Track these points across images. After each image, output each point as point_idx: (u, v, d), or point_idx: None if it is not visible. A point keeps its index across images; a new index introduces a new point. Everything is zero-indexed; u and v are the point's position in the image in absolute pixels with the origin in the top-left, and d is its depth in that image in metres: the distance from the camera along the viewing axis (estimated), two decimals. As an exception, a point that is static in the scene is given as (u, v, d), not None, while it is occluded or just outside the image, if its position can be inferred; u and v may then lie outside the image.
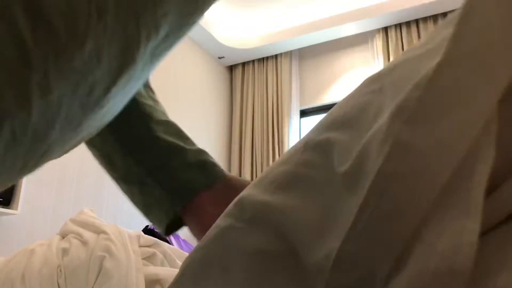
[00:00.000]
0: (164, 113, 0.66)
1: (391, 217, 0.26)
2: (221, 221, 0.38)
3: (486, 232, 0.32)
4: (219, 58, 4.56)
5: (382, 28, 4.00)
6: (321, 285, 0.28)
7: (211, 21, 4.11)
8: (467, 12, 0.28)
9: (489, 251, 0.32)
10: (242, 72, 4.72)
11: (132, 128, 0.60)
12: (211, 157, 0.59)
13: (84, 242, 1.04)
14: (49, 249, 1.04)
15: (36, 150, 0.30)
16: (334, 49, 4.30)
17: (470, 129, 0.27)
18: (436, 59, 0.29)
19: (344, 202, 0.31)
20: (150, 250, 1.11)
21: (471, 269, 0.26)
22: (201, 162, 0.58)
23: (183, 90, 3.93)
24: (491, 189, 0.33)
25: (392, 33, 3.93)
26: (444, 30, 0.36)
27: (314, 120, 4.33)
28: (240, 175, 4.39)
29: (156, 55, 0.40)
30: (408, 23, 3.90)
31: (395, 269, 0.26)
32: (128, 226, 3.24)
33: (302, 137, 0.53)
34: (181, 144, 0.59)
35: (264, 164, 4.24)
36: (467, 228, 0.25)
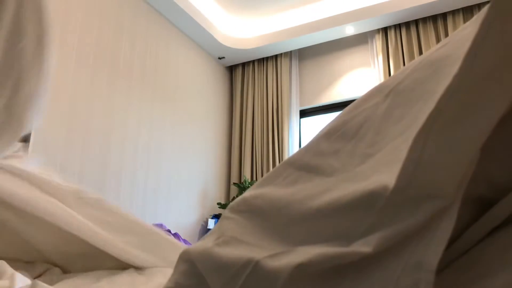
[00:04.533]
0: None
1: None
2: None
3: (486, 235, 0.33)
4: (219, 58, 4.56)
5: (382, 29, 4.00)
6: None
7: (211, 21, 4.11)
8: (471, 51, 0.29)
9: (489, 253, 0.32)
10: (242, 72, 4.73)
11: None
12: None
13: None
14: None
15: None
16: (333, 49, 4.30)
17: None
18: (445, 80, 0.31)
19: None
20: None
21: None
22: None
23: (183, 90, 3.93)
24: (495, 199, 0.34)
25: (391, 34, 3.93)
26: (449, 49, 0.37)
27: (313, 120, 4.32)
28: (240, 175, 4.39)
29: None
30: (407, 24, 3.91)
31: None
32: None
33: (302, 144, 0.54)
34: None
35: (264, 164, 4.24)
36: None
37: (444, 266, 0.34)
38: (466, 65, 0.30)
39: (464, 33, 0.39)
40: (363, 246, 0.32)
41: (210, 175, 4.16)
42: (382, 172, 0.35)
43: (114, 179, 3.00)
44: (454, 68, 0.31)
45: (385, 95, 0.44)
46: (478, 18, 0.37)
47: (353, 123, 0.45)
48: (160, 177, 3.46)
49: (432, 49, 0.43)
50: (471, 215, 0.34)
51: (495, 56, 0.29)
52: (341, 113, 0.50)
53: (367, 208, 0.34)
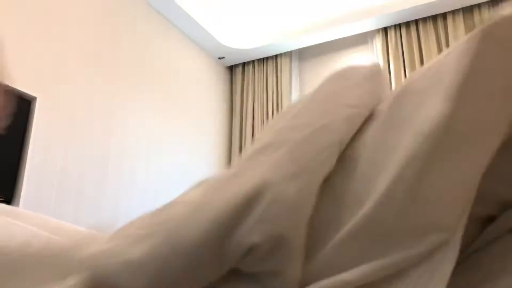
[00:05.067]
0: None
1: None
2: None
3: (490, 241, 0.33)
4: (219, 58, 4.56)
5: (382, 29, 4.00)
6: None
7: (211, 21, 4.11)
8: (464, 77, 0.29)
9: (490, 258, 0.32)
10: (242, 72, 4.72)
11: None
12: None
13: None
14: None
15: None
16: (334, 50, 4.30)
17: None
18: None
19: None
20: None
21: None
22: None
23: (183, 90, 3.93)
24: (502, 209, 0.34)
25: (391, 34, 3.93)
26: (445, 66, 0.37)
27: (314, 120, 4.32)
28: (240, 175, 4.38)
29: None
30: (407, 24, 3.90)
31: None
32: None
33: None
34: None
35: (264, 164, 4.23)
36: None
37: None
38: (459, 97, 0.30)
39: (447, 60, 0.39)
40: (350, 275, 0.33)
41: (210, 175, 4.15)
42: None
43: (114, 179, 3.00)
44: (444, 96, 0.31)
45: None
46: (463, 45, 0.37)
47: (348, 152, 0.44)
48: (161, 177, 3.46)
49: (414, 76, 0.42)
50: (479, 231, 0.34)
51: (488, 86, 0.29)
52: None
53: (364, 235, 0.34)
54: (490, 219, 0.35)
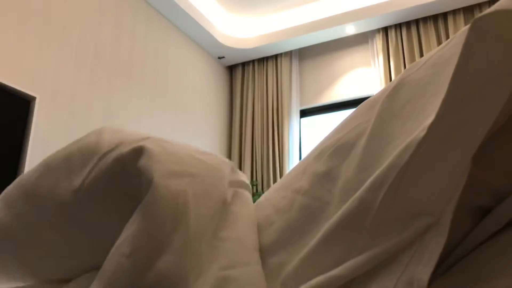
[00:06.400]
0: None
1: None
2: None
3: (489, 237, 0.33)
4: (219, 58, 4.55)
5: (382, 28, 4.00)
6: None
7: (211, 21, 4.11)
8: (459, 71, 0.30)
9: (491, 255, 0.32)
10: (242, 72, 4.72)
11: None
12: None
13: None
14: None
15: None
16: (334, 49, 4.30)
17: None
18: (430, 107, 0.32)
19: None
20: None
21: None
22: None
23: (183, 90, 3.93)
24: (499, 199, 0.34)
25: (392, 33, 3.93)
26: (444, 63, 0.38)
27: (314, 120, 4.32)
28: (240, 175, 4.38)
29: None
30: (408, 23, 3.90)
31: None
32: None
33: (301, 160, 0.54)
34: None
35: (264, 164, 4.23)
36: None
37: (445, 270, 0.34)
38: (453, 88, 0.31)
39: (442, 53, 0.40)
40: (343, 271, 0.33)
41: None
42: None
43: (114, 179, 3.00)
44: (440, 88, 0.32)
45: (375, 113, 0.43)
46: (458, 38, 0.38)
47: (345, 141, 0.44)
48: (160, 177, 3.45)
49: (412, 67, 0.43)
50: (473, 223, 0.34)
51: (479, 76, 0.30)
52: (332, 131, 0.50)
53: (354, 228, 0.35)
54: (487, 213, 0.35)
